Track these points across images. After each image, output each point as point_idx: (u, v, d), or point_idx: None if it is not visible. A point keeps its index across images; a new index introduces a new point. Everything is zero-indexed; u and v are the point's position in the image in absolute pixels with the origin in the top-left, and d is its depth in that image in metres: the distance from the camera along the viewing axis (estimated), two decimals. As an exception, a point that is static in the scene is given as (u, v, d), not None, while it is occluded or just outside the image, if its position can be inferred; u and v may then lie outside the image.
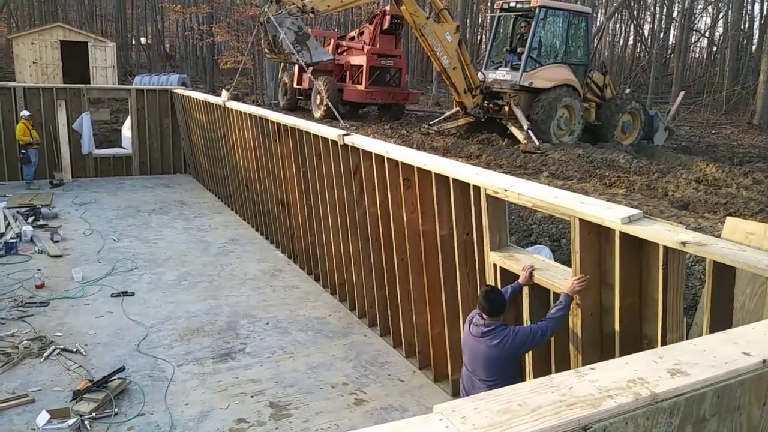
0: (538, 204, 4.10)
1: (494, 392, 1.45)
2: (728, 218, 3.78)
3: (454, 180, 4.92)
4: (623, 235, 3.48)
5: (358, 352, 6.42)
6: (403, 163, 5.63)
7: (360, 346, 6.56)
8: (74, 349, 6.11)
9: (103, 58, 26.39)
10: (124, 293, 7.63)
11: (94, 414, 5.02)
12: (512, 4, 15.76)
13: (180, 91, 14.86)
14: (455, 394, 5.49)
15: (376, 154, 6.12)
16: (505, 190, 4.27)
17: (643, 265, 3.60)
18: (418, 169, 5.39)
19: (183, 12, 34.92)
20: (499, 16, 16.10)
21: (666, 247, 3.31)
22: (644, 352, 1.82)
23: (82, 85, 15.05)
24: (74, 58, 25.80)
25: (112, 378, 5.49)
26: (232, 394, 5.48)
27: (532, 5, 15.06)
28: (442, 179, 5.10)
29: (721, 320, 3.11)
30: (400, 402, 5.46)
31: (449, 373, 5.66)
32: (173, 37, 50.23)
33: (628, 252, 3.56)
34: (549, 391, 1.48)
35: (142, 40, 48.84)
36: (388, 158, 5.85)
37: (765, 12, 34.18)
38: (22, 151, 12.96)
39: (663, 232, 3.32)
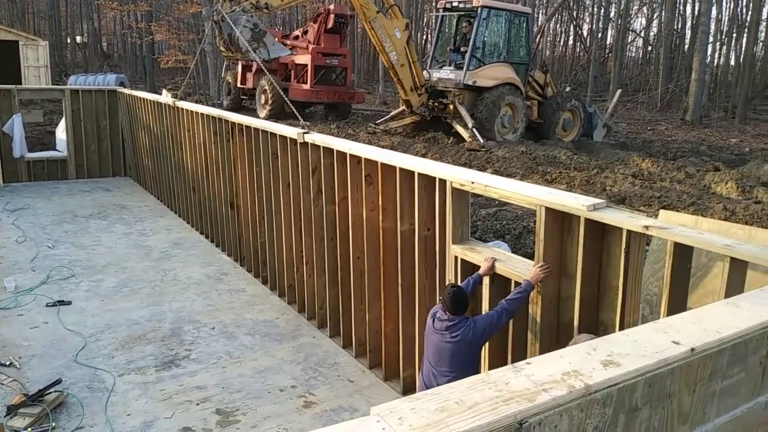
0: (505, 195, 4.25)
1: (431, 391, 1.45)
2: (661, 211, 4.00)
3: (420, 174, 4.99)
4: (588, 221, 3.68)
5: (306, 354, 6.36)
6: (366, 160, 5.65)
7: (309, 348, 6.50)
8: (7, 362, 5.81)
9: (35, 58, 25.22)
10: (61, 302, 7.31)
11: (29, 429, 4.79)
12: (455, 4, 15.97)
13: (126, 90, 14.39)
14: (406, 391, 5.52)
15: (338, 151, 6.10)
16: (472, 183, 4.41)
17: (604, 253, 3.80)
18: (382, 165, 5.42)
19: (120, 9, 33.79)
20: (443, 16, 16.30)
21: (629, 232, 3.53)
22: (579, 345, 1.85)
23: (12, 86, 14.32)
24: (4, 58, 24.56)
25: (49, 391, 5.25)
26: (176, 402, 5.33)
27: (474, 5, 15.31)
28: (407, 174, 5.15)
29: (679, 297, 3.40)
30: (350, 403, 5.44)
31: (400, 370, 5.69)
32: (111, 35, 48.62)
33: (590, 239, 3.76)
34: (486, 387, 1.49)
35: (78, 38, 46.98)
36: (350, 155, 5.85)
37: (697, 12, 35.76)
38: None
39: (626, 218, 3.57)
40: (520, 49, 16.37)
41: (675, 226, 3.53)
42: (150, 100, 12.23)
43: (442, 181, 4.77)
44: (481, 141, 13.85)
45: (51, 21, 42.56)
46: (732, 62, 41.04)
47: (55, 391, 5.27)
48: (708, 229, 4.08)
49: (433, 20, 18.14)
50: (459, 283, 4.37)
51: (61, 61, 37.36)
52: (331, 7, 20.15)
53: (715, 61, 40.61)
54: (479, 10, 15.13)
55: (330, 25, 18.90)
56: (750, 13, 31.57)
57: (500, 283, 4.34)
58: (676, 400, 1.85)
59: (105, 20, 46.48)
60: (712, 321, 2.10)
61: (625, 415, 1.68)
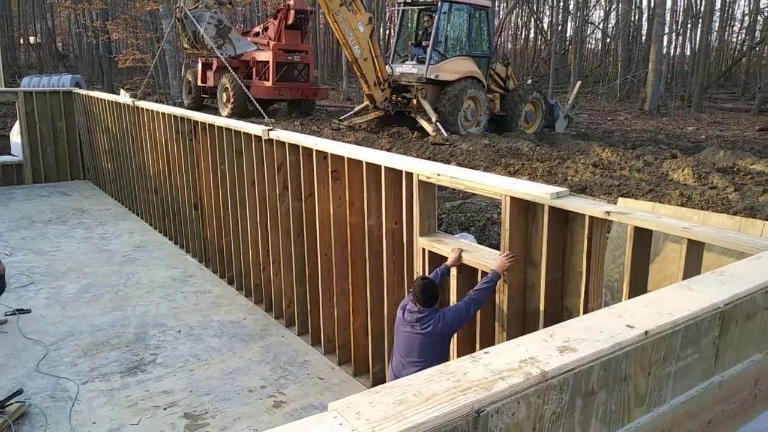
0: (471, 186, 4.31)
1: (389, 384, 1.45)
2: (620, 199, 4.11)
3: (386, 168, 5.01)
4: (552, 209, 3.76)
5: (275, 353, 6.31)
6: (332, 155, 5.64)
7: (277, 348, 6.45)
8: (-37, 376, 5.62)
9: (-15, 60, 24.38)
10: (20, 311, 7.09)
11: (-12, 443, 4.65)
12: (415, -1, 16.06)
13: (82, 91, 14.02)
14: (376, 386, 5.53)
15: (303, 147, 6.06)
16: (438, 175, 4.46)
17: (568, 240, 3.89)
18: (349, 159, 5.42)
19: (74, 8, 32.88)
20: (404, 10, 16.33)
21: (591, 218, 3.63)
22: (537, 332, 1.88)
23: (-39, 89, 13.86)
24: (-49, 60, 23.71)
25: (9, 402, 5.10)
26: (143, 408, 5.23)
27: (433, 0, 15.38)
28: (374, 169, 5.17)
29: (640, 280, 3.50)
30: (320, 400, 5.42)
31: (370, 365, 5.70)
32: (65, 35, 47.28)
33: (554, 227, 3.85)
34: (444, 378, 1.50)
35: (31, 39, 45.56)
36: (316, 151, 5.82)
37: (653, 4, 36.58)
38: None
39: (588, 205, 3.68)
40: (481, 42, 16.50)
41: (635, 210, 3.64)
42: (108, 101, 11.95)
43: (409, 175, 4.80)
44: (445, 135, 13.93)
45: (2, 21, 41.14)
46: (687, 52, 42.15)
47: (16, 402, 5.12)
48: (665, 214, 4.20)
49: (395, 15, 18.13)
50: (427, 275, 4.40)
51: (15, 63, 36.22)
52: (291, 2, 19.96)
53: (672, 51, 41.66)
54: (440, 4, 15.21)
55: (290, 21, 18.74)
56: (703, 3, 32.44)
57: (468, 273, 4.40)
58: (632, 383, 1.89)
59: (59, 19, 45.16)
60: (665, 304, 2.15)
61: (582, 399, 1.71)
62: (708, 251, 3.48)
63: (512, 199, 3.96)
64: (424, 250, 4.76)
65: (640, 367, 1.90)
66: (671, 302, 2.17)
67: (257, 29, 20.59)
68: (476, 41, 16.36)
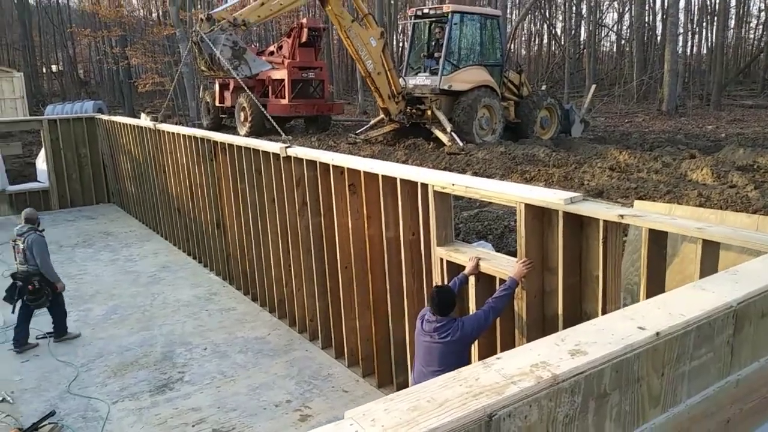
0: (485, 195, 4.36)
1: (404, 391, 1.50)
2: (636, 201, 4.12)
3: (402, 180, 5.09)
4: (566, 215, 3.79)
5: (300, 368, 6.38)
6: (349, 169, 5.75)
7: (302, 362, 6.53)
8: (0, 398, 5.79)
9: (10, 90, 25.11)
10: (50, 334, 7.28)
11: (24, 464, 4.78)
12: (426, 11, 16.20)
13: (105, 117, 14.39)
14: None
15: (321, 163, 6.18)
16: (453, 185, 4.52)
17: (584, 245, 3.90)
18: (365, 173, 5.52)
19: (93, 36, 33.71)
20: (415, 23, 16.46)
21: (606, 222, 3.64)
22: (549, 336, 1.92)
23: (-12, 120, 14.30)
24: (-21, 92, 24.46)
25: (43, 423, 5.24)
26: (172, 426, 5.34)
27: (444, 11, 15.50)
28: (390, 181, 5.25)
29: (656, 282, 3.49)
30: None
31: (393, 376, 5.74)
32: (86, 62, 48.39)
33: (570, 232, 3.87)
34: (457, 384, 1.55)
35: (53, 67, 46.78)
36: (333, 166, 5.93)
37: (666, 5, 36.32)
38: None
39: (602, 209, 3.69)
40: (493, 51, 16.56)
41: (649, 213, 3.65)
42: (130, 125, 12.25)
43: (424, 186, 4.86)
44: (461, 144, 13.98)
45: (25, 51, 42.32)
46: (704, 51, 41.70)
47: (49, 423, 5.27)
48: (682, 215, 4.20)
49: (407, 28, 18.29)
50: (446, 284, 4.44)
51: (38, 91, 37.18)
52: (304, 21, 20.29)
53: (688, 50, 41.24)
54: (450, 15, 15.32)
55: (304, 39, 19.00)
56: (718, 1, 32.14)
57: (486, 281, 4.44)
58: (645, 384, 1.92)
59: (80, 47, 46.28)
60: (677, 305, 2.17)
61: (595, 401, 1.74)
62: (727, 251, 3.46)
63: (527, 206, 3.99)
64: (442, 259, 4.81)
65: (653, 368, 1.93)
66: (684, 303, 2.19)
67: (272, 48, 20.91)
68: (488, 50, 16.42)
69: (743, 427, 2.45)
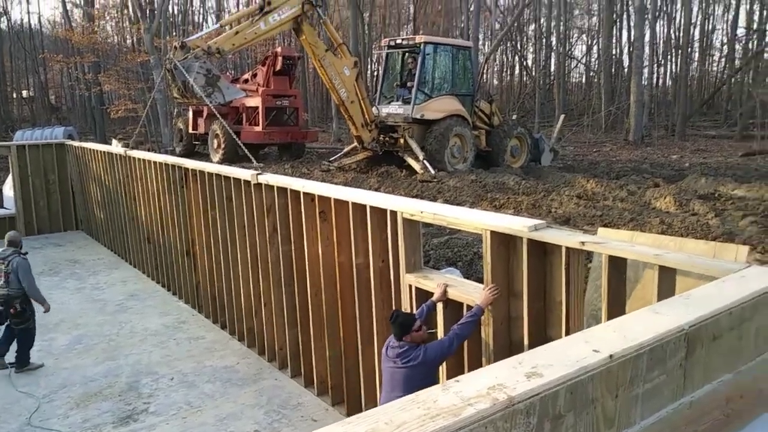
0: (452, 222, 4.43)
1: (363, 414, 1.53)
2: (600, 229, 4.23)
3: (372, 207, 5.15)
4: (530, 242, 3.87)
5: (269, 397, 6.31)
6: (319, 197, 5.80)
7: (271, 391, 6.46)
8: (-45, 432, 5.60)
9: (-22, 115, 24.70)
10: (12, 364, 7.08)
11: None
12: (398, 42, 16.52)
13: (75, 143, 14.24)
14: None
15: (291, 190, 6.21)
16: (421, 212, 4.59)
17: (548, 271, 3.98)
18: (335, 200, 5.57)
19: (66, 62, 33.47)
20: (388, 54, 16.76)
21: (568, 248, 3.73)
22: (508, 359, 1.96)
23: (-46, 145, 14.03)
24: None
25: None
26: (136, 457, 5.22)
27: (416, 42, 15.83)
28: (359, 208, 5.31)
29: (617, 308, 3.58)
30: (314, 442, 5.42)
31: (362, 405, 5.71)
32: (58, 88, 47.89)
33: (534, 259, 3.95)
34: (415, 406, 1.57)
35: (24, 93, 46.18)
36: (304, 193, 5.97)
37: (632, 38, 37.52)
38: None
39: (564, 236, 3.79)
40: (464, 81, 16.91)
41: (609, 240, 3.75)
42: (100, 151, 12.14)
43: (393, 213, 4.93)
44: (433, 172, 14.16)
45: (-6, 77, 41.78)
46: (669, 82, 43.07)
47: (7, 457, 5.10)
48: (643, 243, 4.32)
49: (381, 58, 18.61)
50: (414, 311, 4.48)
51: (8, 117, 36.59)
52: (279, 49, 20.50)
53: (654, 81, 42.58)
54: (422, 46, 15.65)
55: (278, 67, 19.18)
56: (681, 35, 33.37)
57: (453, 307, 4.50)
58: (600, 406, 1.97)
59: (52, 73, 45.82)
60: (632, 328, 2.25)
61: (550, 422, 1.78)
62: (686, 276, 3.57)
63: (492, 233, 4.08)
64: (410, 286, 4.86)
65: (607, 390, 1.98)
66: (638, 326, 2.26)
67: (246, 76, 21.04)
68: (459, 80, 16.77)
69: (697, 449, 2.51)
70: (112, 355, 7.39)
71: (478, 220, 4.23)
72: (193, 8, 45.62)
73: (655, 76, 43.02)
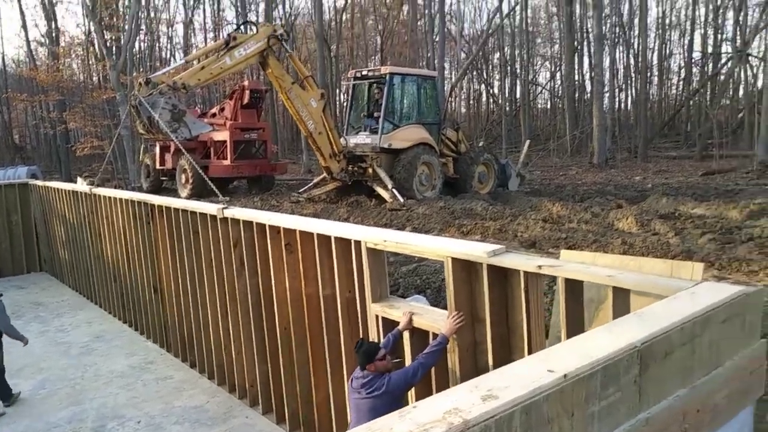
0: (415, 250, 4.46)
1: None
2: (562, 251, 4.30)
3: (336, 238, 5.14)
4: (490, 267, 3.91)
5: (240, 435, 6.18)
6: (285, 229, 5.77)
7: (241, 429, 6.32)
8: None
9: (-62, 156, 24.14)
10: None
11: None
12: (364, 73, 16.76)
13: (39, 182, 13.99)
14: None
15: (257, 223, 6.19)
16: (385, 241, 4.60)
17: (509, 295, 4.01)
18: (300, 232, 5.56)
19: (30, 101, 33.05)
20: (354, 85, 16.99)
21: (526, 273, 3.77)
22: (465, 383, 1.98)
23: None
24: None
25: None
26: (101, 505, 5.04)
27: (382, 73, 16.09)
28: (325, 239, 5.30)
29: (575, 329, 3.59)
30: (286, 479, 5.31)
31: (334, 438, 5.64)
32: (22, 127, 47.19)
33: (494, 284, 3.98)
34: (370, 435, 1.58)
35: (-14, 133, 45.39)
36: (270, 226, 5.95)
37: (593, 64, 38.64)
38: None
39: (523, 260, 3.83)
40: (430, 110, 17.21)
41: (566, 263, 3.81)
42: (64, 190, 11.95)
43: (357, 243, 4.94)
44: (401, 200, 14.27)
45: (-45, 118, 41.02)
46: (629, 106, 44.41)
47: None
48: (604, 263, 4.39)
49: (348, 89, 18.85)
50: (380, 341, 4.47)
51: (-31, 158, 35.84)
52: (246, 83, 20.59)
53: (616, 105, 43.83)
54: (387, 77, 15.91)
55: (246, 100, 19.26)
56: (640, 60, 34.54)
57: (420, 335, 4.49)
58: (556, 425, 1.99)
59: (15, 112, 45.16)
60: (586, 347, 2.29)
61: None
62: (642, 296, 3.63)
63: (453, 259, 4.11)
64: (377, 316, 4.84)
65: (562, 409, 2.00)
66: (592, 345, 2.31)
67: (214, 110, 21.05)
68: (426, 109, 17.06)
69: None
70: (77, 400, 7.17)
71: (439, 247, 4.27)
72: (160, 44, 45.70)
73: (617, 100, 44.38)
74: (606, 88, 32.15)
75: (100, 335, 9.54)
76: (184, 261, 7.76)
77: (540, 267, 3.68)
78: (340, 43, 44.06)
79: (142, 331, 9.36)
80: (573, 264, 3.75)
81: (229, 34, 14.15)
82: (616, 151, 31.49)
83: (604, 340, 2.37)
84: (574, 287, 3.63)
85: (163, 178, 20.82)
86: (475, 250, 4.03)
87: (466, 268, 4.14)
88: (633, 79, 42.85)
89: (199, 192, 17.09)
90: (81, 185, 11.07)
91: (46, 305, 11.41)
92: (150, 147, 20.91)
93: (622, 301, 3.41)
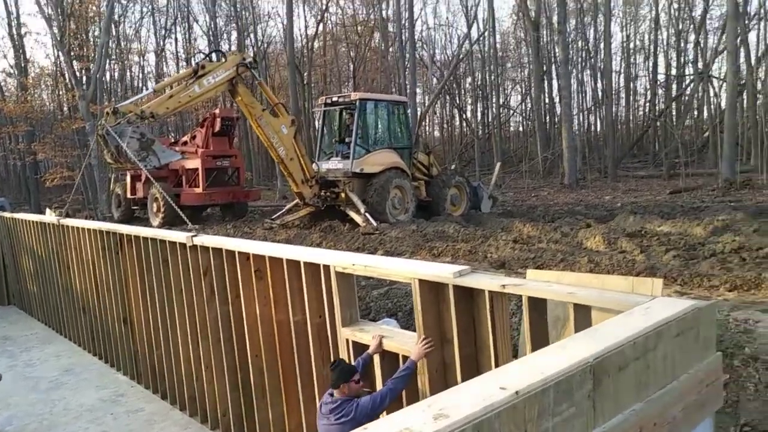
0: (383, 273, 4.49)
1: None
2: (528, 270, 4.38)
3: (305, 263, 5.15)
4: (456, 288, 3.95)
5: (212, 467, 6.09)
6: (254, 255, 5.77)
7: (214, 460, 6.23)
8: None
9: None
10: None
11: None
12: (335, 99, 16.91)
13: (6, 214, 13.76)
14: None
15: (227, 250, 6.17)
16: (353, 265, 4.63)
17: (475, 315, 4.06)
18: (270, 258, 5.56)
19: (-2, 133, 32.60)
20: (325, 111, 17.14)
21: (491, 292, 3.82)
22: (417, 404, 2.02)
23: None
24: None
25: None
26: None
27: (352, 99, 16.28)
28: (294, 264, 5.30)
29: (541, 347, 3.56)
30: None
31: (308, 466, 5.58)
32: (-10, 158, 46.36)
33: (461, 304, 4.02)
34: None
35: (-47, 165, 44.49)
36: (239, 252, 5.94)
37: (560, 87, 39.53)
38: None
39: (487, 280, 3.88)
40: (401, 134, 17.42)
41: (528, 282, 3.89)
42: (32, 222, 11.79)
43: (326, 267, 4.96)
44: (375, 224, 14.33)
45: None
46: (598, 128, 45.42)
47: None
48: (568, 281, 4.49)
49: (318, 116, 19.00)
50: (351, 364, 4.48)
51: (-65, 190, 35.02)
52: (217, 111, 20.62)
53: (585, 127, 44.76)
54: (357, 103, 16.09)
55: (217, 128, 19.27)
56: (605, 83, 35.45)
57: (390, 358, 4.51)
58: (508, 442, 2.03)
59: (-18, 144, 44.44)
60: (539, 364, 2.33)
61: None
62: (602, 312, 3.71)
63: (420, 281, 4.16)
64: (347, 340, 4.86)
65: (514, 426, 2.03)
66: (545, 361, 2.36)
67: (185, 138, 20.99)
68: (397, 134, 17.26)
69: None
70: (45, 436, 7.01)
71: (406, 270, 4.32)
72: (132, 73, 45.55)
73: (586, 122, 45.36)
74: (575, 111, 32.89)
75: (69, 368, 9.35)
76: (154, 291, 7.69)
77: (504, 286, 3.75)
78: (313, 70, 44.42)
79: (112, 363, 9.20)
80: (536, 282, 3.84)
81: (197, 63, 14.20)
82: (587, 172, 32.08)
83: (557, 356, 2.42)
84: (538, 305, 3.71)
85: (135, 207, 20.62)
86: (442, 271, 4.09)
87: (433, 289, 4.19)
88: (600, 101, 43.92)
89: (171, 220, 16.95)
90: (49, 216, 10.93)
91: (14, 339, 11.15)
92: (120, 176, 20.72)
93: (583, 317, 3.48)
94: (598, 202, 20.90)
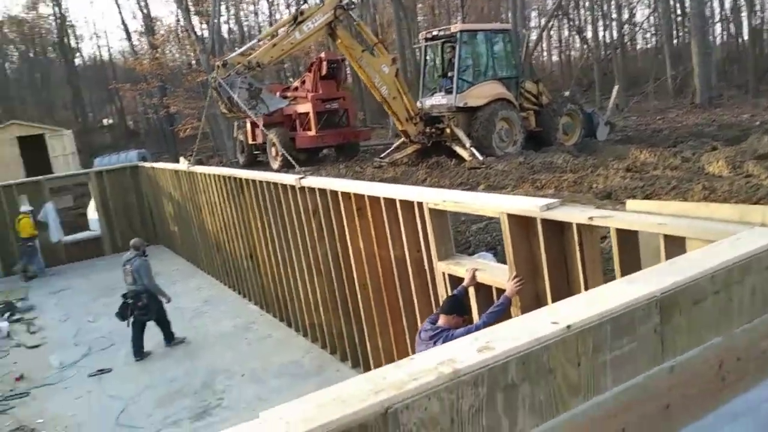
0: (472, 208, 4.61)
1: (318, 392, 1.76)
2: (628, 201, 4.22)
3: (401, 201, 5.39)
4: (544, 221, 3.94)
5: (330, 387, 6.67)
6: (355, 194, 6.10)
7: (333, 382, 6.63)
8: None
9: (61, 147, 26.77)
10: (101, 371, 7.85)
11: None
12: (435, 33, 16.53)
13: (147, 164, 15.30)
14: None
15: (331, 191, 6.56)
16: (444, 201, 4.79)
17: (566, 249, 4.04)
18: (369, 197, 5.87)
19: (133, 89, 35.53)
20: (426, 46, 16.83)
21: (579, 225, 3.78)
22: (467, 336, 2.12)
23: (41, 177, 15.39)
24: (33, 151, 26.17)
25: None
26: (210, 449, 5.72)
27: (452, 31, 15.82)
28: (390, 202, 5.57)
29: None
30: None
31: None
32: (135, 113, 50.84)
33: (551, 238, 4.02)
34: (365, 382, 1.76)
35: (105, 121, 49.52)
36: (342, 192, 6.31)
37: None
38: (29, 243, 13.34)
39: (576, 213, 3.81)
40: (506, 64, 16.72)
41: (618, 213, 3.74)
42: (168, 170, 13.01)
43: (419, 204, 5.14)
44: (481, 158, 14.14)
45: (75, 109, 44.92)
46: (741, 39, 40.41)
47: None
48: (671, 211, 4.27)
49: (420, 51, 18.65)
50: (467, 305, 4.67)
51: (91, 145, 39.22)
52: (322, 55, 20.94)
53: (725, 38, 40.05)
54: (458, 35, 15.63)
55: (324, 71, 19.63)
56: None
57: (484, 291, 4.65)
58: (560, 374, 2.04)
59: (126, 100, 48.73)
60: (600, 298, 2.31)
61: (503, 392, 1.89)
62: (704, 244, 3.48)
63: (509, 216, 4.17)
64: (444, 273, 5.05)
65: (566, 359, 2.06)
66: (607, 296, 2.33)
67: (296, 84, 21.64)
68: (501, 64, 16.60)
69: (694, 412, 2.50)
70: (190, 357, 8.04)
71: (494, 204, 4.35)
72: (249, 23, 47.12)
73: (725, 33, 40.54)
74: (709, 22, 29.44)
75: (208, 300, 10.48)
76: (272, 230, 8.33)
77: (591, 218, 3.63)
78: (424, 2, 43.24)
79: (244, 294, 10.17)
80: (625, 214, 3.65)
81: (297, 9, 14.49)
82: (724, 89, 28.97)
83: (622, 290, 2.38)
84: (627, 238, 3.57)
85: (256, 152, 21.82)
86: (529, 205, 4.04)
87: (522, 223, 4.18)
88: (737, 9, 38.85)
89: (289, 163, 17.80)
90: (183, 164, 12.01)
91: (162, 274, 12.49)
92: (242, 124, 21.93)
93: (675, 249, 3.30)
94: (733, 122, 18.98)
